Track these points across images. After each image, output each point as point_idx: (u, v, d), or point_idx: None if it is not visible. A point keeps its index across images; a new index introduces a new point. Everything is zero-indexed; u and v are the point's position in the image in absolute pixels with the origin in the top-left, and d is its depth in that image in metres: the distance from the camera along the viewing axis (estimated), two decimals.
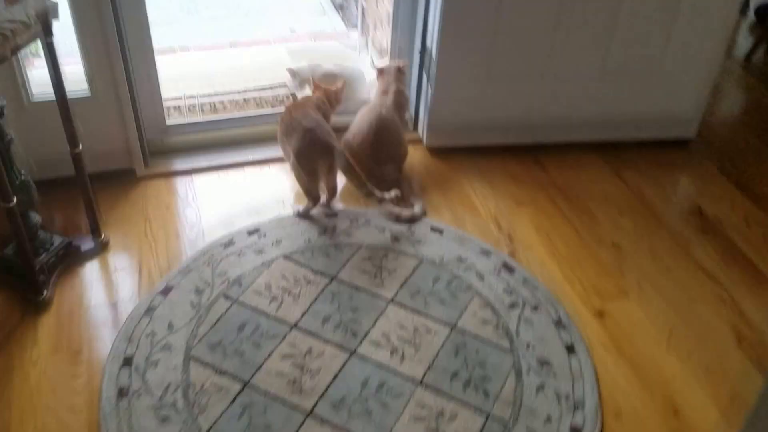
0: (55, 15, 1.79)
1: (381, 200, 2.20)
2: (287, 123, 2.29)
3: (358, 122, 2.46)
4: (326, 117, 2.35)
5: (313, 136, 2.19)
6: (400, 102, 2.51)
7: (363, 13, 3.45)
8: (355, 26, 3.74)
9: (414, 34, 2.66)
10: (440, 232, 2.30)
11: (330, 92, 2.42)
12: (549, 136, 2.72)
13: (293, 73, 2.87)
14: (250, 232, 2.28)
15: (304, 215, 2.35)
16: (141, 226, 2.31)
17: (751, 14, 4.01)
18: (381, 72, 2.56)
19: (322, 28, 4.07)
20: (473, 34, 2.44)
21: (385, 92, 2.52)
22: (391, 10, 2.69)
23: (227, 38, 3.92)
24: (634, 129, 2.76)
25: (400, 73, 2.53)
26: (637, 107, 2.70)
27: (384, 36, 3.01)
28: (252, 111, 2.92)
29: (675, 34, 2.54)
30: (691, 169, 2.74)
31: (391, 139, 2.45)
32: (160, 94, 2.54)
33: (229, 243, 2.23)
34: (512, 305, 2.03)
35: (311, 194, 2.31)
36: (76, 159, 2.06)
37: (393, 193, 2.23)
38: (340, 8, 4.35)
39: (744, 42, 3.82)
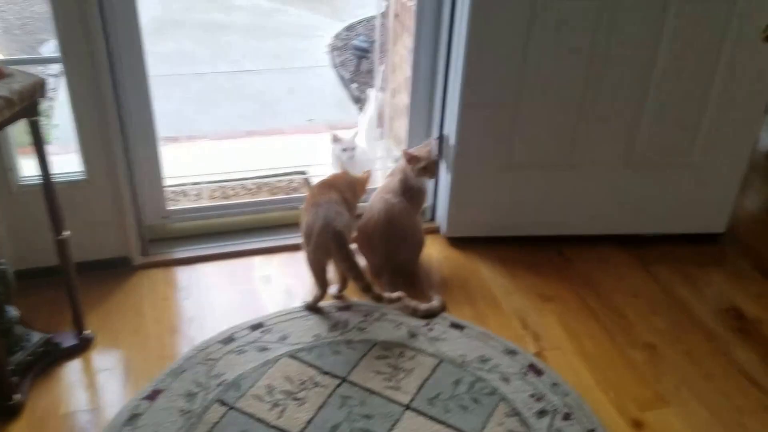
0: (42, 93, 1.62)
1: (378, 299, 2.04)
2: (308, 198, 2.18)
3: (369, 209, 2.34)
4: (350, 205, 2.23)
5: (318, 213, 2.08)
6: (406, 189, 2.33)
7: (380, 105, 3.36)
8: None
9: (431, 122, 2.56)
10: (461, 328, 2.13)
11: (356, 182, 2.31)
12: (573, 227, 2.59)
13: (336, 139, 2.81)
14: (253, 327, 2.10)
15: (312, 307, 2.18)
16: (133, 321, 2.14)
17: None
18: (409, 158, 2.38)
19: (338, 118, 4.01)
20: (492, 121, 2.34)
21: (392, 174, 2.39)
22: (408, 100, 2.60)
23: (243, 128, 3.89)
24: (660, 222, 2.62)
25: (412, 161, 2.34)
26: (663, 200, 2.56)
27: (401, 125, 2.96)
28: (263, 197, 2.82)
29: (703, 124, 2.42)
30: (724, 265, 2.58)
31: (404, 227, 2.30)
32: (162, 179, 2.43)
33: (229, 339, 2.05)
34: (541, 413, 1.83)
35: (319, 281, 2.17)
36: (61, 246, 1.89)
37: (395, 294, 2.07)
38: (358, 101, 4.32)
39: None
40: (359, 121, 3.20)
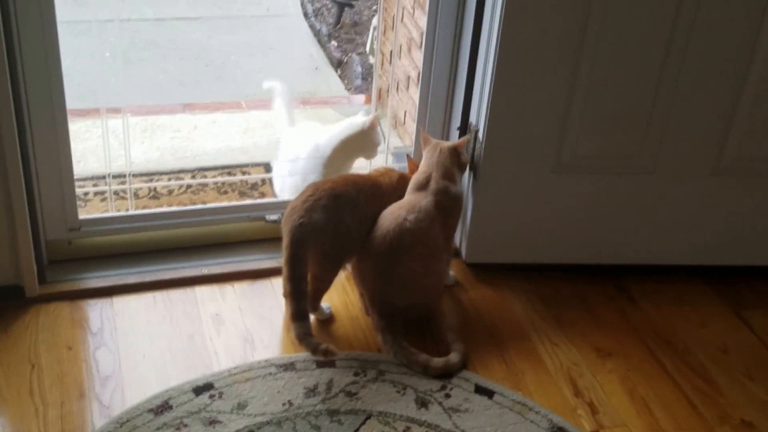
0: None
1: (307, 343, 2.13)
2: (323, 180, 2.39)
3: (379, 223, 2.31)
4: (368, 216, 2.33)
5: (300, 196, 2.24)
6: (444, 205, 2.32)
7: (372, 72, 3.38)
8: (360, 89, 3.65)
9: (451, 105, 2.61)
10: (489, 394, 2.17)
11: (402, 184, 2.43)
12: (640, 255, 2.66)
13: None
14: (199, 390, 2.12)
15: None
16: (24, 378, 2.15)
17: None
18: (427, 143, 2.39)
19: (313, 88, 3.99)
20: (539, 108, 2.40)
21: (423, 185, 2.34)
22: (420, 65, 2.61)
23: (178, 99, 3.99)
24: (759, 251, 2.68)
25: (454, 155, 2.34)
26: (763, 221, 2.62)
27: (404, 104, 3.01)
28: (211, 202, 2.87)
29: None
30: None
31: (413, 266, 2.28)
32: (72, 175, 2.44)
33: (163, 407, 2.06)
34: None
35: (284, 288, 2.28)
36: None
37: (335, 350, 2.14)
38: (339, 65, 4.32)
39: None
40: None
